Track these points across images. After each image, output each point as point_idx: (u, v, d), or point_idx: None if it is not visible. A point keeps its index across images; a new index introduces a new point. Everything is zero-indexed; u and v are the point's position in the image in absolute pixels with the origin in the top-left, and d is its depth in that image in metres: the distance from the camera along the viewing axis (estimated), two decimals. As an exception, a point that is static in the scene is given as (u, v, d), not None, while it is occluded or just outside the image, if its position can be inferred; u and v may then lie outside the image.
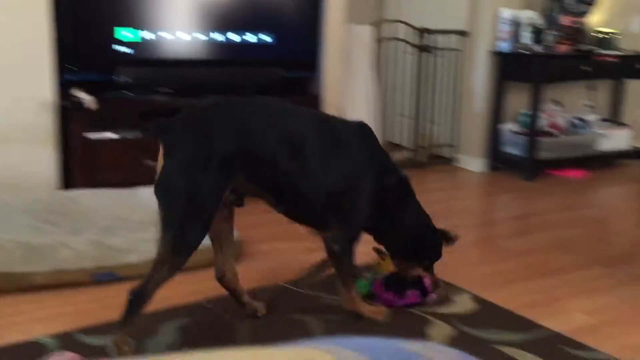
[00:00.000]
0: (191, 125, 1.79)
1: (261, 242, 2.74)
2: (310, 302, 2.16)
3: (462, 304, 2.18)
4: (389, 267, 2.16)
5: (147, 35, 3.17)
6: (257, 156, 1.80)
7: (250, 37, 3.41)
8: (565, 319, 2.12)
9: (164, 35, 3.21)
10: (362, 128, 2.02)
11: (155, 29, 3.19)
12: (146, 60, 3.20)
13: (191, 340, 1.89)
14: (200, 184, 1.73)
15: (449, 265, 2.30)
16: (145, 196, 2.79)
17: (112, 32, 3.10)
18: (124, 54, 3.14)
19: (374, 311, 2.04)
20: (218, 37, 3.33)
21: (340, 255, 1.95)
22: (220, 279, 2.03)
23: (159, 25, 3.19)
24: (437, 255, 2.14)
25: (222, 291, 2.23)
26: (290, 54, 3.54)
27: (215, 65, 3.38)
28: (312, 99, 3.58)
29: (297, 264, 2.53)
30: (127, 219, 2.53)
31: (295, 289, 2.26)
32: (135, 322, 1.74)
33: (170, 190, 1.74)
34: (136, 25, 3.15)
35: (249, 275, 2.39)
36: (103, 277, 2.28)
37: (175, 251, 1.74)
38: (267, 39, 3.45)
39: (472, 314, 2.11)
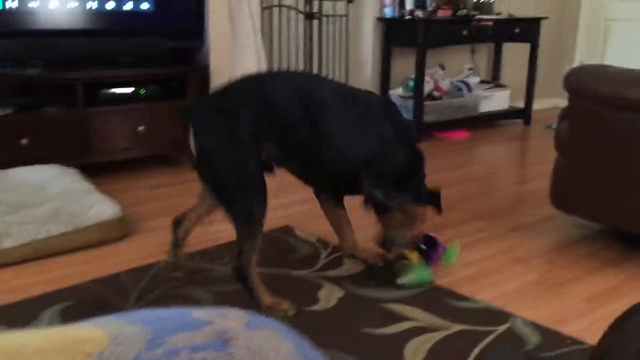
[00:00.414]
0: (218, 103, 1.89)
1: (148, 219, 2.66)
2: (198, 275, 2.14)
3: (350, 266, 2.24)
4: (415, 259, 2.11)
5: (10, 3, 2.94)
6: (282, 125, 1.89)
7: (127, 5, 3.25)
8: (447, 272, 2.22)
9: (31, 3, 2.99)
10: (388, 102, 2.15)
11: (20, -4, 2.96)
12: (13, 31, 2.97)
13: (73, 323, 1.81)
14: (237, 153, 1.83)
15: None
16: (19, 177, 2.62)
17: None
18: (-15, 24, 2.90)
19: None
20: (92, 4, 3.14)
21: (380, 197, 2.02)
22: (178, 222, 2.10)
23: (25, -7, 2.97)
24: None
25: (108, 272, 2.16)
26: (173, 23, 3.42)
27: (92, 36, 3.20)
28: (201, 70, 3.48)
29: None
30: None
31: (184, 263, 2.22)
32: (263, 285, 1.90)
33: (212, 168, 1.86)
34: (-2, -8, 2.91)
35: (137, 253, 2.33)
36: (-25, 265, 2.13)
37: (248, 218, 1.85)
38: (146, 6, 3.31)
39: (360, 274, 2.17)
